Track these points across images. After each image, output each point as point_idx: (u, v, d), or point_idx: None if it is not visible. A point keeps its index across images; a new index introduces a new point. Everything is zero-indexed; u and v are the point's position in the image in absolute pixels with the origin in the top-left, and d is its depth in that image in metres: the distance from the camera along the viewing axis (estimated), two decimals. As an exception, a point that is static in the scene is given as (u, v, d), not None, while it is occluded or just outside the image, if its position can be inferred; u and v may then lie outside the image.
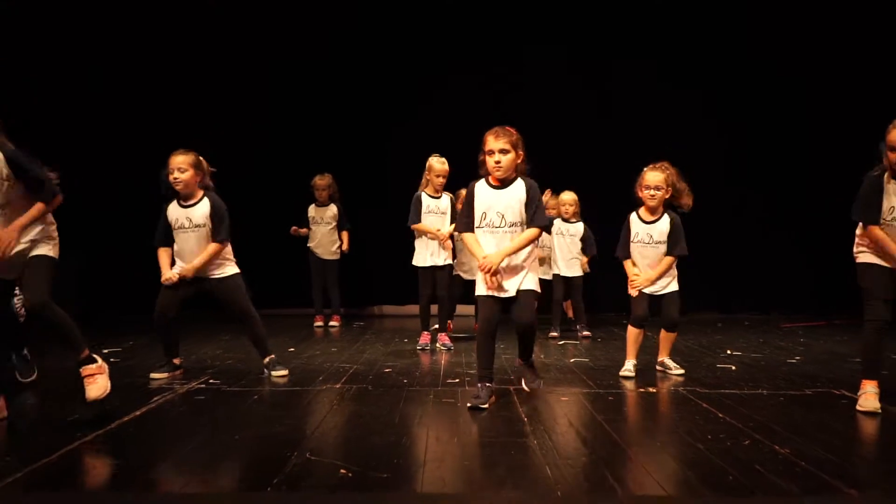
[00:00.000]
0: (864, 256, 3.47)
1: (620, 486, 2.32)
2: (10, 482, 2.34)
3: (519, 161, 3.47)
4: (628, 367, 4.29)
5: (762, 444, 2.74)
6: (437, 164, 5.29)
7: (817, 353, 5.25)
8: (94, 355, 3.34)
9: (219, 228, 4.10)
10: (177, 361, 4.26)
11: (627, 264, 4.35)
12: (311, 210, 6.83)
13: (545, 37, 7.71)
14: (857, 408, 3.35)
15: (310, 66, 7.69)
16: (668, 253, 4.25)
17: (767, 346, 5.59)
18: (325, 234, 6.81)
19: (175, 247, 4.15)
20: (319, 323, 6.80)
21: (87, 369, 3.26)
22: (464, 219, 3.58)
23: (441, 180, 5.30)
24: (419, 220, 5.30)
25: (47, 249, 3.27)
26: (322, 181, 6.78)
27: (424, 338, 5.42)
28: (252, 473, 2.51)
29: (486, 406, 3.39)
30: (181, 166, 4.05)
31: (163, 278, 4.11)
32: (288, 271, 7.28)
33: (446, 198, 5.38)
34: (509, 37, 7.70)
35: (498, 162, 3.42)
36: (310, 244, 6.82)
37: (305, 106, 7.74)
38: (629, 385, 4.01)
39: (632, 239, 4.31)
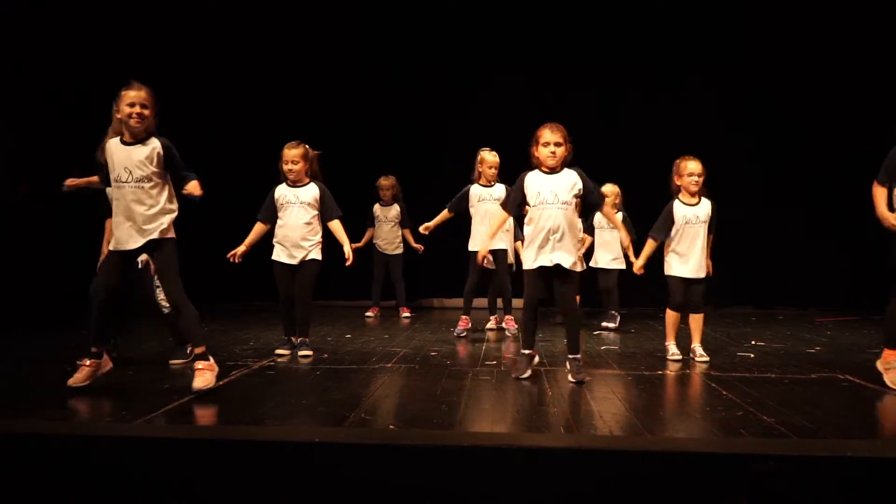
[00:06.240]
0: None
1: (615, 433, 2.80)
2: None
3: (567, 153, 4.03)
4: (674, 351, 4.72)
5: (752, 415, 3.16)
6: (489, 156, 5.77)
7: (839, 343, 5.56)
8: (209, 355, 3.75)
9: (331, 208, 4.81)
10: (294, 340, 4.88)
11: (650, 245, 4.77)
12: (376, 209, 7.42)
13: (585, 41, 8.10)
14: (889, 384, 3.73)
15: (373, 79, 8.20)
16: (710, 231, 4.71)
17: (793, 337, 5.89)
18: (388, 231, 7.39)
19: (280, 221, 4.79)
20: (371, 314, 7.30)
21: (200, 363, 3.67)
22: (509, 200, 4.28)
23: (493, 171, 5.76)
24: (456, 209, 5.84)
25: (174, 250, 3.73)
26: (386, 182, 7.36)
27: (463, 322, 5.79)
28: (318, 426, 3.07)
29: (527, 376, 3.99)
30: (295, 159, 4.73)
31: (238, 249, 4.69)
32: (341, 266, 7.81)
33: (500, 187, 5.77)
34: (552, 39, 8.09)
35: (553, 153, 3.99)
36: (375, 241, 7.40)
37: (367, 113, 8.18)
38: (648, 368, 4.43)
39: (678, 222, 4.69)
